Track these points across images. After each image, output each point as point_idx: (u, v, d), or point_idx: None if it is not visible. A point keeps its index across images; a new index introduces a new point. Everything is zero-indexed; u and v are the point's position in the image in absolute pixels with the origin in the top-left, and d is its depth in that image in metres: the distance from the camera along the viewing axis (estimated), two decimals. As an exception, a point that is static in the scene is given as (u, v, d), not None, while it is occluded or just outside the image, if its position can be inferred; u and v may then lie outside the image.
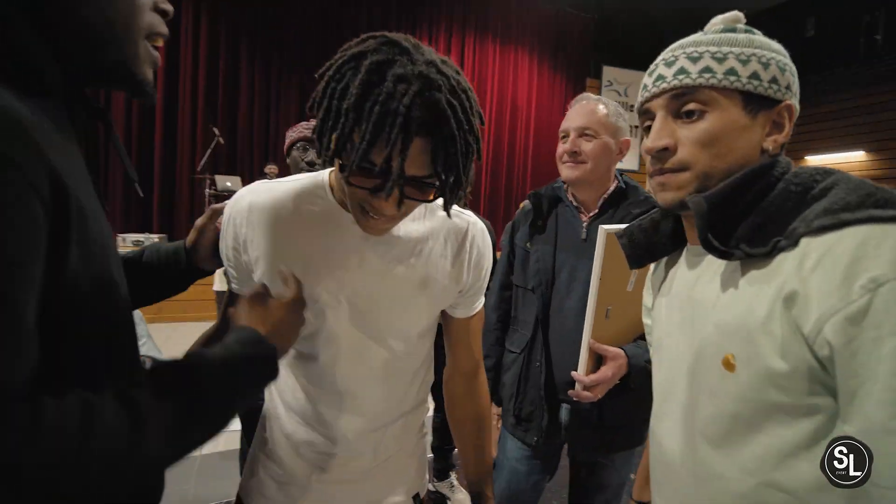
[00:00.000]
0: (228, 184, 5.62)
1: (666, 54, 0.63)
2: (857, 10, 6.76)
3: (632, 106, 7.54)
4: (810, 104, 8.11)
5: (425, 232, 0.75)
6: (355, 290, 0.71)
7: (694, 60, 0.59)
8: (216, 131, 5.69)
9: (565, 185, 1.29)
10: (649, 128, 0.63)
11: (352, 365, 0.74)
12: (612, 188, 1.25)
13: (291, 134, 1.80)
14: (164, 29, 0.54)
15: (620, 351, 1.09)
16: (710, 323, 0.58)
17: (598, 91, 8.15)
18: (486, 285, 0.85)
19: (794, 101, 0.59)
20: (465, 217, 0.80)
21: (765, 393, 0.52)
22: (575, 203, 1.27)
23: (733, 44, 0.59)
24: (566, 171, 1.21)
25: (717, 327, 0.57)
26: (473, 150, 0.59)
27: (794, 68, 0.60)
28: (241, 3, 6.30)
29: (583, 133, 1.20)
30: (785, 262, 0.52)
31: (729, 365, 0.55)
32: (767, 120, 0.59)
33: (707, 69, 0.58)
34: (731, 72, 0.58)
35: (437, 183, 0.59)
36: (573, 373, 1.08)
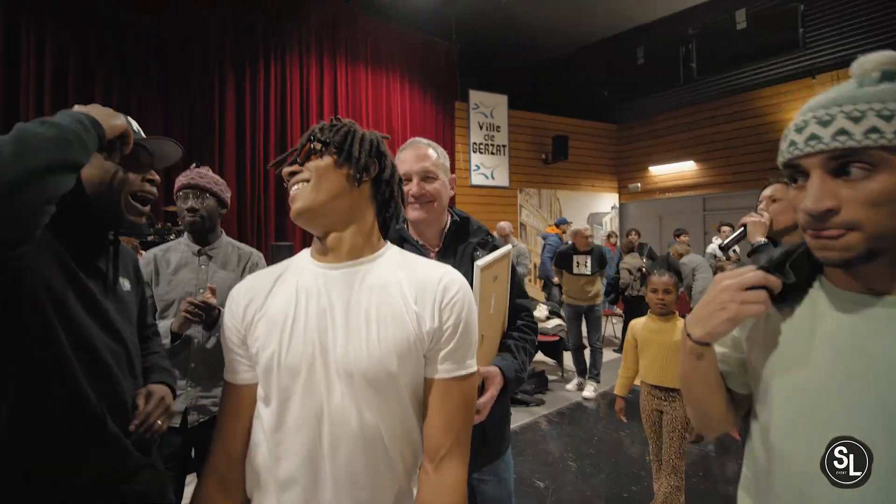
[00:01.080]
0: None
1: (817, 111, 0.58)
2: (676, 41, 8.09)
3: (498, 126, 8.74)
4: (649, 121, 9.75)
5: (391, 277, 0.82)
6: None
7: (856, 120, 0.55)
8: None
9: (406, 226, 1.35)
10: (795, 178, 0.61)
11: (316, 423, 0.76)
12: (448, 223, 1.35)
13: (177, 181, 1.84)
14: (146, 189, 0.96)
15: (494, 368, 1.18)
16: None
17: (467, 113, 8.95)
18: (470, 347, 0.82)
19: None
20: (443, 268, 0.84)
21: None
22: (420, 241, 1.33)
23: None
24: (415, 213, 1.28)
25: None
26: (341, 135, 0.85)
27: None
28: (95, 32, 5.85)
29: (425, 176, 1.27)
30: None
31: None
32: None
33: (874, 129, 0.54)
34: None
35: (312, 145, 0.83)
36: None
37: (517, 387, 1.27)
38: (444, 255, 1.32)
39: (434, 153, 1.31)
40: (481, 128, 9.04)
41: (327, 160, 0.82)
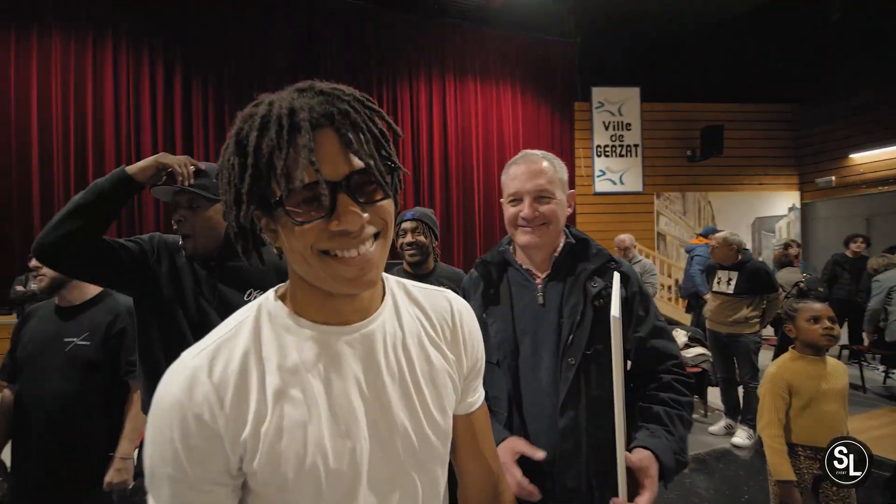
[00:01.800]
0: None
1: None
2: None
3: (628, 124, 7.66)
4: (848, 95, 7.58)
5: (410, 317, 0.65)
6: (354, 421, 0.57)
7: None
8: None
9: (511, 248, 1.25)
10: None
11: None
12: (561, 245, 1.20)
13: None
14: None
15: (646, 454, 0.98)
16: None
17: (589, 113, 8.08)
18: (483, 370, 0.75)
19: None
20: (443, 293, 0.71)
21: None
22: (525, 266, 1.21)
23: None
24: (525, 238, 1.15)
25: None
26: (387, 129, 0.56)
27: None
28: (238, 74, 6.85)
29: (539, 196, 1.14)
30: None
31: None
32: None
33: None
34: None
35: (374, 173, 0.52)
36: (614, 500, 0.94)
37: (676, 475, 1.04)
38: (551, 283, 1.17)
39: (550, 167, 1.17)
40: (607, 127, 8.06)
41: (388, 199, 0.57)
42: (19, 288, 4.79)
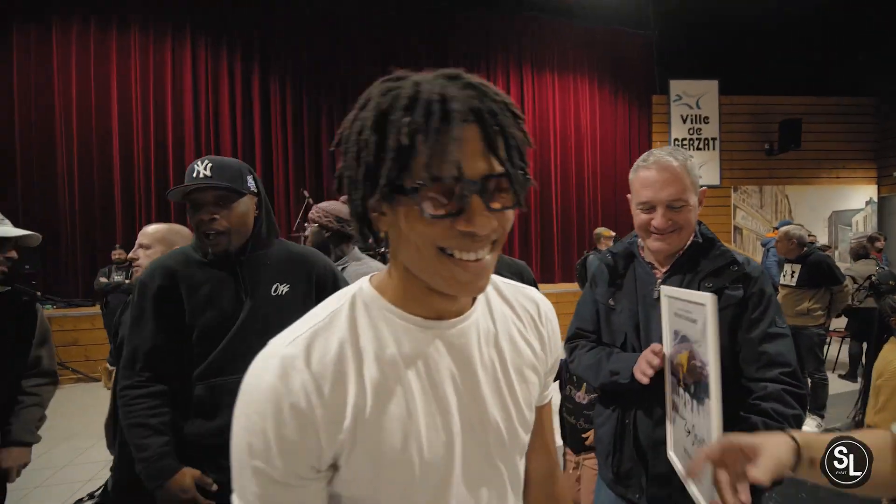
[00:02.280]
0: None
1: None
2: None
3: (706, 118, 7.69)
4: None
5: (501, 314, 0.65)
6: (451, 413, 0.57)
7: None
8: (306, 193, 6.21)
9: (639, 241, 1.27)
10: None
11: None
12: (688, 243, 1.19)
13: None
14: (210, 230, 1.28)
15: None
16: None
17: (667, 107, 8.14)
18: (557, 367, 0.77)
19: None
20: (529, 292, 0.71)
21: None
22: (647, 259, 1.25)
23: None
24: (657, 244, 1.17)
25: None
26: (526, 134, 0.52)
27: None
28: (316, 68, 7.11)
29: (673, 205, 1.13)
30: None
31: None
32: None
33: None
34: None
35: (510, 180, 0.49)
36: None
37: (767, 490, 1.03)
38: (670, 279, 1.18)
39: (682, 170, 1.14)
40: (685, 121, 8.12)
41: (515, 208, 0.54)
42: (103, 279, 5.07)
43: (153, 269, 1.31)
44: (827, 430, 3.69)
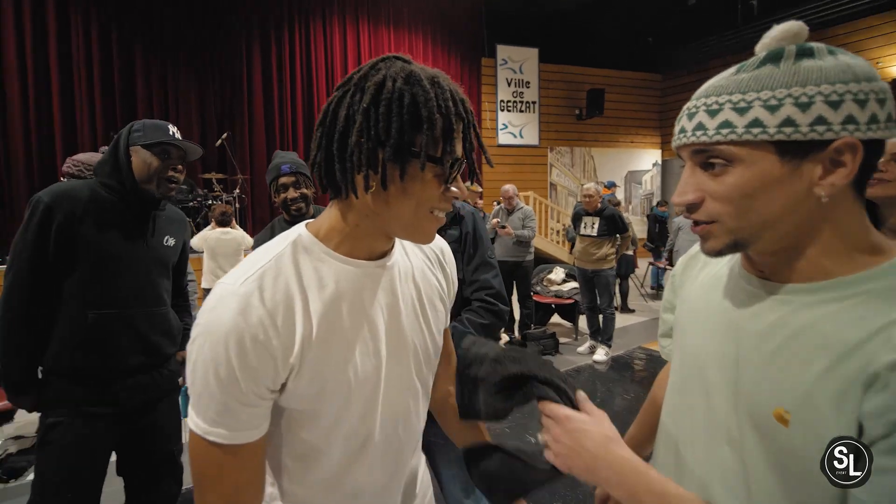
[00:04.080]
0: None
1: (691, 102, 0.59)
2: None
3: (527, 82, 8.65)
4: (700, 69, 9.18)
5: (414, 254, 0.78)
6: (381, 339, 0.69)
7: (713, 114, 0.55)
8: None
9: None
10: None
11: (374, 416, 0.70)
12: None
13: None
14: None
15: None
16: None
17: (494, 69, 8.96)
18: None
19: (863, 133, 0.50)
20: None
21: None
22: None
23: (764, 86, 0.53)
24: None
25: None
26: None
27: (869, 92, 0.51)
28: (135, 8, 6.48)
29: None
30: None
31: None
32: (817, 163, 0.52)
33: (726, 124, 0.54)
34: (755, 123, 0.52)
35: (469, 161, 0.65)
36: None
37: None
38: None
39: None
40: (509, 84, 9.04)
41: None
42: None
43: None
44: (613, 358, 4.68)
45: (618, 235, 4.68)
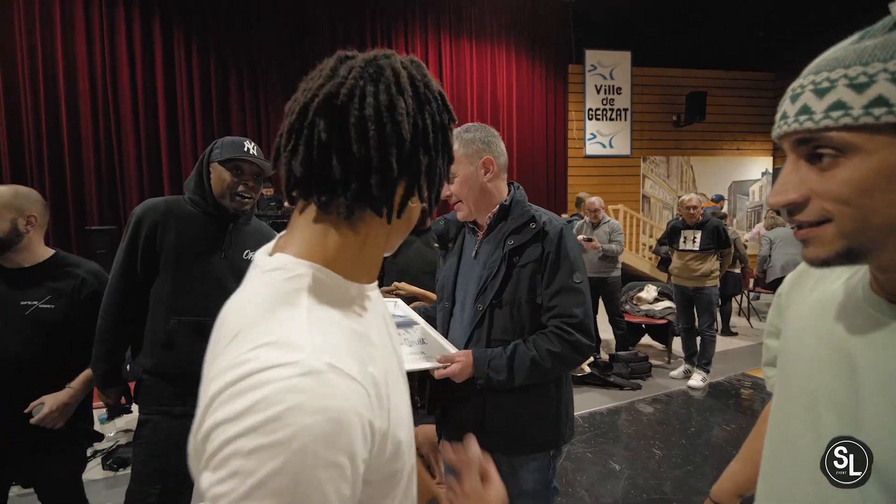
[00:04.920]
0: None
1: (797, 81, 0.50)
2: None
3: (619, 88, 8.26)
4: None
5: None
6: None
7: (822, 94, 0.46)
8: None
9: None
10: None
11: None
12: (497, 207, 1.39)
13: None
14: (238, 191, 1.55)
15: (465, 352, 1.29)
16: None
17: (582, 76, 8.65)
18: None
19: None
20: None
21: None
22: (472, 225, 1.46)
23: (894, 54, 0.42)
24: (458, 214, 1.42)
25: None
26: None
27: None
28: (222, 27, 6.98)
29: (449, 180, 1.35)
30: None
31: None
32: None
33: (838, 105, 0.44)
34: (878, 102, 0.42)
35: None
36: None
37: (481, 378, 1.28)
38: (485, 240, 1.40)
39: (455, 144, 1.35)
40: (599, 91, 8.67)
41: None
42: (69, 254, 4.94)
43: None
44: (711, 384, 4.30)
45: (720, 251, 4.28)
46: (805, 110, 0.47)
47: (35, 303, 1.55)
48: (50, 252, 1.66)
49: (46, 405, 1.50)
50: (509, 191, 1.42)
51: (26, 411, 1.49)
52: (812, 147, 0.48)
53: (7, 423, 1.51)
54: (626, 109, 8.76)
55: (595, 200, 4.75)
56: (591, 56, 8.58)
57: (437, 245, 2.28)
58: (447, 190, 1.36)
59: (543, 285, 1.32)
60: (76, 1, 6.30)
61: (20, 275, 1.57)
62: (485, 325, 1.33)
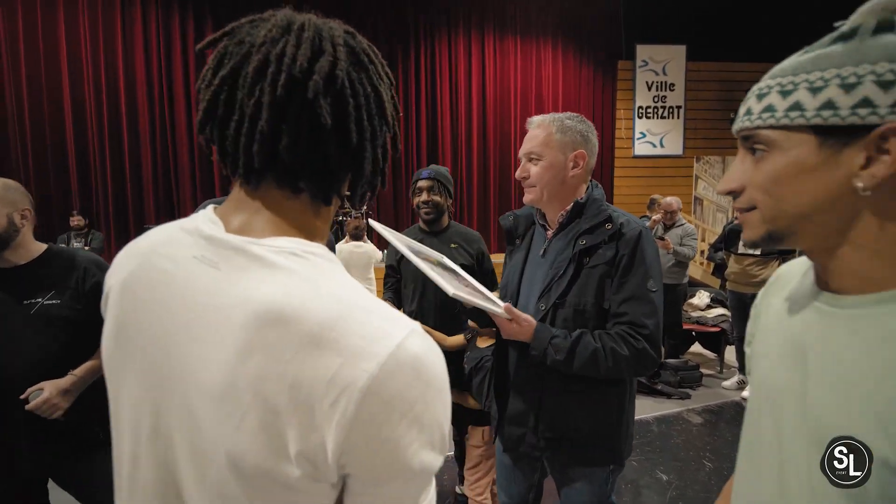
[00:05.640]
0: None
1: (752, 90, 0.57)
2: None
3: (671, 85, 7.96)
4: None
5: None
6: None
7: (759, 98, 0.55)
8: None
9: None
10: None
11: None
12: (571, 205, 1.33)
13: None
14: None
15: (529, 318, 1.26)
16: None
17: (632, 73, 8.42)
18: None
19: None
20: None
21: None
22: (542, 221, 1.41)
23: (816, 67, 0.50)
24: (526, 196, 1.36)
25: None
26: None
27: None
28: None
29: (529, 158, 1.31)
30: None
31: None
32: (859, 151, 0.49)
33: (769, 108, 0.53)
34: (795, 106, 0.51)
35: None
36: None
37: (538, 352, 1.26)
38: (556, 237, 1.36)
39: (543, 132, 1.31)
40: (650, 88, 8.41)
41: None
42: (62, 246, 5.27)
43: None
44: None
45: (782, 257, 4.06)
46: (748, 112, 0.56)
47: (39, 300, 1.50)
48: (43, 246, 1.59)
49: (45, 391, 1.43)
50: (587, 189, 1.37)
51: (23, 397, 1.42)
52: (752, 142, 0.56)
53: (37, 428, 1.47)
54: (678, 107, 8.45)
55: (673, 201, 4.61)
56: (643, 51, 8.33)
57: (454, 245, 2.18)
58: (524, 170, 1.32)
59: (613, 290, 1.26)
60: (136, 13, 6.71)
61: (18, 273, 1.52)
62: (548, 323, 1.30)
